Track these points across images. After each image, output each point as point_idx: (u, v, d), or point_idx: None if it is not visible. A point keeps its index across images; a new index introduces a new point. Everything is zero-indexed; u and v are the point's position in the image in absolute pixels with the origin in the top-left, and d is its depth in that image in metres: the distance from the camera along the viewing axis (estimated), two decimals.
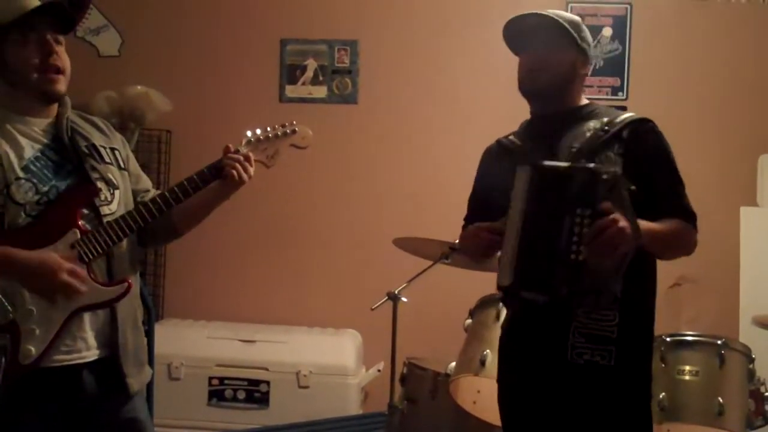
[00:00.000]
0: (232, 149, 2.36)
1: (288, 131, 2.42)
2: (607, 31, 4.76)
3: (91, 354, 2.22)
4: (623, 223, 2.08)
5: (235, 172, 2.30)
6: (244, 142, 2.39)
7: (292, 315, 4.88)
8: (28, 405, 2.14)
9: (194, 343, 4.60)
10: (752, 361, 3.12)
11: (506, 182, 2.29)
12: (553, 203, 2.15)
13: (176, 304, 5.01)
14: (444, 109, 4.90)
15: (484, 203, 2.49)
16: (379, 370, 4.60)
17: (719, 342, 3.07)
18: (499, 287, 2.27)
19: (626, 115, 2.39)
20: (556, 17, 2.39)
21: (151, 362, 3.91)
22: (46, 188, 2.18)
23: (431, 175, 4.86)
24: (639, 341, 2.37)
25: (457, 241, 3.43)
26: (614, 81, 4.74)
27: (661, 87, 4.73)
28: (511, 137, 2.51)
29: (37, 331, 2.13)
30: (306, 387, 4.50)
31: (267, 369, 4.52)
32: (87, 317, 2.21)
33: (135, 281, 2.33)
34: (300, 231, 4.95)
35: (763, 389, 3.12)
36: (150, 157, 4.92)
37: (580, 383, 2.30)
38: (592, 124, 2.37)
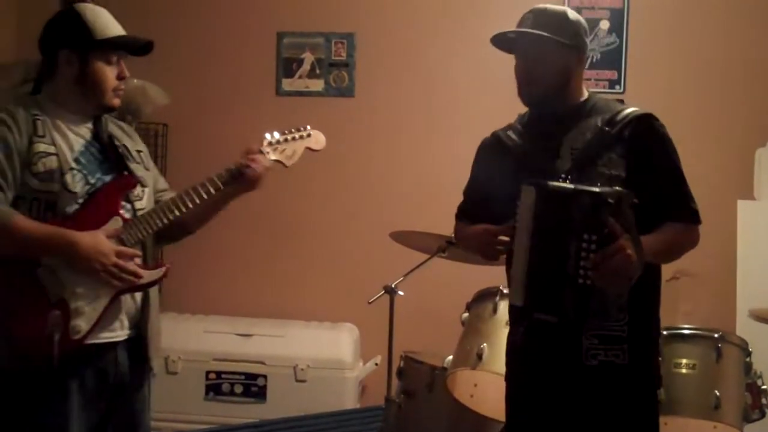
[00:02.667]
0: (255, 149, 2.57)
1: (304, 135, 2.66)
2: (605, 24, 4.75)
3: (124, 334, 2.42)
4: (629, 250, 2.07)
5: (254, 175, 2.53)
6: (265, 143, 2.60)
7: (290, 309, 4.87)
8: (72, 376, 2.32)
9: (191, 337, 4.61)
10: (749, 354, 3.11)
11: (504, 180, 2.29)
12: (560, 226, 2.13)
13: (173, 299, 4.98)
14: (441, 102, 4.90)
15: (481, 196, 2.48)
16: (376, 364, 4.60)
17: (716, 335, 3.06)
18: (512, 306, 2.26)
19: (626, 111, 2.34)
20: (532, 30, 2.31)
21: None
22: (93, 180, 2.37)
23: (428, 169, 4.85)
24: (648, 337, 2.38)
25: (453, 234, 3.45)
26: (611, 74, 4.73)
27: (659, 80, 4.72)
28: (509, 133, 2.46)
29: (86, 309, 2.30)
30: (303, 381, 4.50)
31: (264, 363, 4.52)
32: (123, 299, 2.39)
33: None
34: (297, 225, 4.95)
35: (759, 382, 3.12)
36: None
37: (596, 384, 2.30)
38: (593, 122, 2.34)
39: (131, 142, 2.56)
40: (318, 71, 4.97)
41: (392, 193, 4.90)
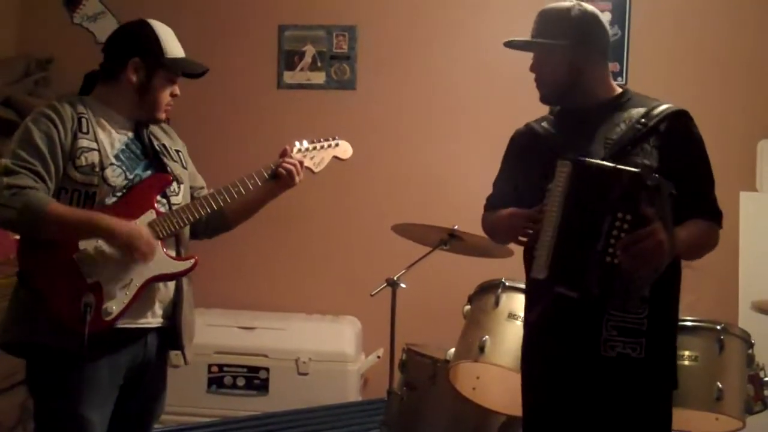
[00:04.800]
0: (290, 151, 2.71)
1: (332, 144, 2.81)
2: (607, 16, 4.73)
3: (155, 322, 2.55)
4: (662, 236, 2.07)
5: (289, 174, 2.66)
6: (295, 150, 2.73)
7: (291, 302, 4.88)
8: (102, 355, 2.43)
9: None
10: (751, 346, 3.11)
11: (537, 168, 2.30)
12: (594, 202, 2.13)
13: None
14: (442, 95, 4.89)
15: (511, 186, 2.47)
16: (378, 357, 4.60)
17: (718, 327, 3.06)
18: (531, 280, 2.25)
19: (663, 107, 2.36)
20: (524, 39, 2.40)
21: None
22: (131, 175, 2.50)
23: (430, 161, 4.85)
24: (666, 332, 2.37)
25: (456, 227, 3.45)
26: (613, 66, 4.71)
27: (661, 72, 4.71)
28: (543, 123, 2.48)
29: (118, 294, 2.43)
30: (305, 374, 4.51)
31: (266, 356, 4.53)
32: (156, 289, 2.51)
33: None
34: (299, 217, 4.94)
35: (762, 374, 3.12)
36: None
37: (612, 376, 2.30)
38: (627, 115, 2.35)
39: (170, 141, 2.71)
40: (319, 64, 4.96)
41: (394, 185, 4.90)
